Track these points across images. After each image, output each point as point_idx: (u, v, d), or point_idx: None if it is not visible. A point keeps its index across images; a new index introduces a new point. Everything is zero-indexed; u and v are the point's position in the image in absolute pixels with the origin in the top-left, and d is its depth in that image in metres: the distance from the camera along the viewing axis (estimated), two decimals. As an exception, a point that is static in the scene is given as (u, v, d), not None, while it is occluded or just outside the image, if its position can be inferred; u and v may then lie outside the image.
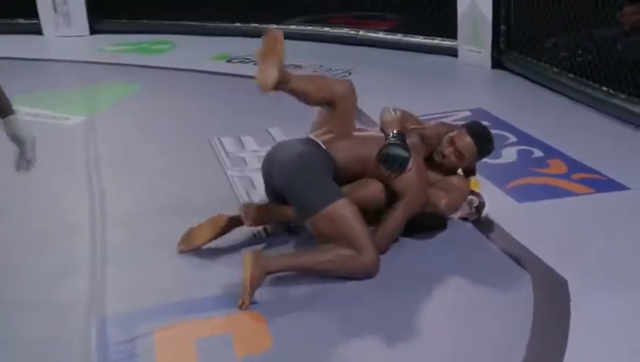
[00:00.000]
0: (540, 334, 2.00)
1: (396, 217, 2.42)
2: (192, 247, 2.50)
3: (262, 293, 2.23)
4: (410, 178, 2.39)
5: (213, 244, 2.54)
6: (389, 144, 2.36)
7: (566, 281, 2.24)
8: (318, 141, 2.47)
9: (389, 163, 2.35)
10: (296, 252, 2.43)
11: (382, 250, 2.38)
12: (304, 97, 2.54)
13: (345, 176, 2.42)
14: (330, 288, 2.27)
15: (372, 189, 2.43)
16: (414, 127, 2.59)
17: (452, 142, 2.53)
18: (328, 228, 2.29)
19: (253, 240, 2.60)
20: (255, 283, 2.19)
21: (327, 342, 2.03)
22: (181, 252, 2.49)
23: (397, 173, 2.36)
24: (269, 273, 2.25)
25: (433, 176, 2.56)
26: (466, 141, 2.54)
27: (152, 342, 2.03)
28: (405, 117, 2.55)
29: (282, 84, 2.45)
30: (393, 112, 2.52)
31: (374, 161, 2.37)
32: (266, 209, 2.57)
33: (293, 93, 2.52)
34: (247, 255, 2.21)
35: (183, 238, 2.51)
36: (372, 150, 2.41)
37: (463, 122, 2.84)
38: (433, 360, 1.95)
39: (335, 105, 2.53)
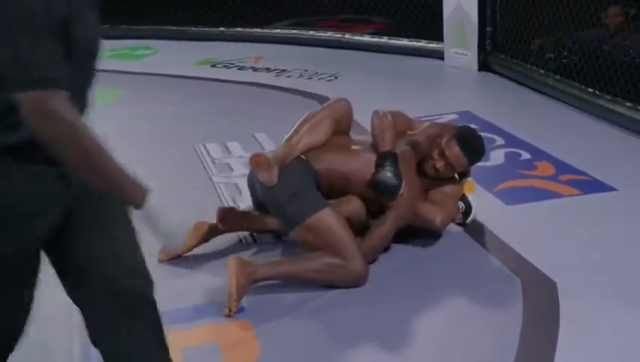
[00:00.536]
0: (529, 337, 1.99)
1: (384, 230, 2.39)
2: (172, 256, 2.46)
3: (249, 301, 2.20)
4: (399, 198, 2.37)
5: (198, 251, 2.50)
6: (381, 170, 2.34)
7: (555, 283, 2.23)
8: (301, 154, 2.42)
9: (381, 190, 2.33)
10: (283, 259, 2.39)
11: (368, 261, 2.34)
12: (317, 145, 2.43)
13: (326, 190, 2.36)
14: (319, 294, 2.24)
15: (353, 205, 2.39)
16: (407, 133, 2.55)
17: (443, 155, 2.48)
18: (314, 238, 2.25)
19: (240, 246, 2.57)
20: (241, 291, 2.15)
21: (316, 350, 2.00)
22: (160, 261, 2.44)
23: (388, 200, 2.35)
24: (255, 281, 2.21)
25: (426, 182, 2.53)
26: (456, 152, 2.47)
27: (137, 353, 1.98)
28: (397, 120, 2.52)
29: (286, 161, 2.35)
30: (385, 119, 2.47)
31: (365, 185, 2.35)
32: (243, 215, 2.54)
33: (308, 150, 2.41)
34: (231, 261, 2.17)
35: (161, 247, 2.47)
36: (357, 167, 2.39)
37: (454, 123, 2.82)
38: (425, 366, 1.93)
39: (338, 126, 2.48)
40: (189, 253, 2.48)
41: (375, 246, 2.39)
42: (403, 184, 2.35)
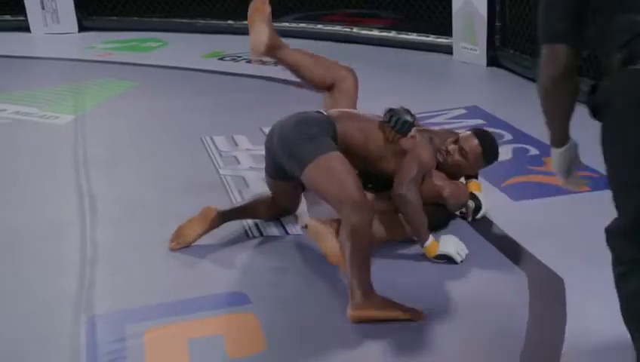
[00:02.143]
0: (536, 334, 1.98)
1: (407, 165, 2.36)
2: (184, 244, 2.46)
3: (255, 294, 2.20)
4: (415, 141, 2.41)
5: (205, 243, 2.50)
6: (394, 108, 2.42)
7: (562, 280, 2.22)
8: (321, 110, 2.46)
9: (394, 122, 2.38)
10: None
11: (408, 196, 2.32)
12: (299, 70, 2.53)
13: (345, 146, 2.36)
14: (326, 288, 2.24)
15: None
16: (424, 128, 2.60)
17: (456, 140, 2.53)
18: (322, 177, 2.22)
19: (246, 238, 2.57)
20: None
21: (322, 344, 2.00)
22: (172, 250, 2.45)
23: (401, 134, 2.38)
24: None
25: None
26: (472, 142, 2.54)
27: (143, 343, 1.99)
28: None
29: (275, 49, 2.45)
30: None
31: (378, 127, 2.40)
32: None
33: (287, 62, 2.51)
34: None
35: (173, 236, 2.47)
36: (375, 127, 2.43)
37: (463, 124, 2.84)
38: (427, 358, 1.92)
39: (334, 88, 2.54)
40: (200, 244, 2.48)
41: (406, 178, 2.35)
42: (414, 129, 2.41)
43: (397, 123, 2.38)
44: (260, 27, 2.45)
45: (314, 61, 2.64)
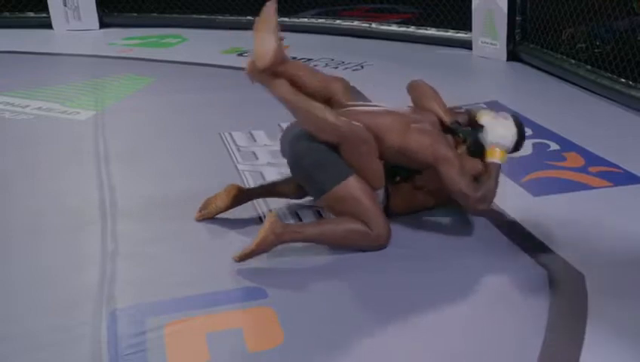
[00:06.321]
0: (556, 330, 1.97)
1: (451, 177, 2.37)
2: (208, 216, 2.61)
3: (273, 287, 2.21)
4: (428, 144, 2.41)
5: (223, 237, 2.52)
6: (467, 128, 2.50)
7: (583, 276, 2.19)
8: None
9: (469, 143, 2.46)
10: (311, 223, 2.47)
11: (481, 204, 2.39)
12: (301, 83, 2.45)
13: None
14: (343, 282, 2.25)
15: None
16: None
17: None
18: (340, 206, 2.34)
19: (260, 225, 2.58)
20: (262, 249, 2.29)
21: (339, 338, 2.00)
22: (197, 220, 2.61)
23: (471, 153, 2.46)
24: (282, 242, 2.32)
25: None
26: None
27: (163, 336, 2.01)
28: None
29: (279, 63, 2.35)
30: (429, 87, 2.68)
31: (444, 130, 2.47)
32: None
33: (291, 76, 2.41)
34: (268, 218, 2.29)
35: (200, 208, 2.62)
36: (387, 120, 2.42)
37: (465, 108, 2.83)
38: (444, 355, 1.91)
39: (331, 103, 2.48)
40: (220, 238, 2.52)
41: (460, 184, 2.38)
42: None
43: (472, 143, 2.45)
44: (267, 37, 2.29)
45: (315, 75, 2.53)
